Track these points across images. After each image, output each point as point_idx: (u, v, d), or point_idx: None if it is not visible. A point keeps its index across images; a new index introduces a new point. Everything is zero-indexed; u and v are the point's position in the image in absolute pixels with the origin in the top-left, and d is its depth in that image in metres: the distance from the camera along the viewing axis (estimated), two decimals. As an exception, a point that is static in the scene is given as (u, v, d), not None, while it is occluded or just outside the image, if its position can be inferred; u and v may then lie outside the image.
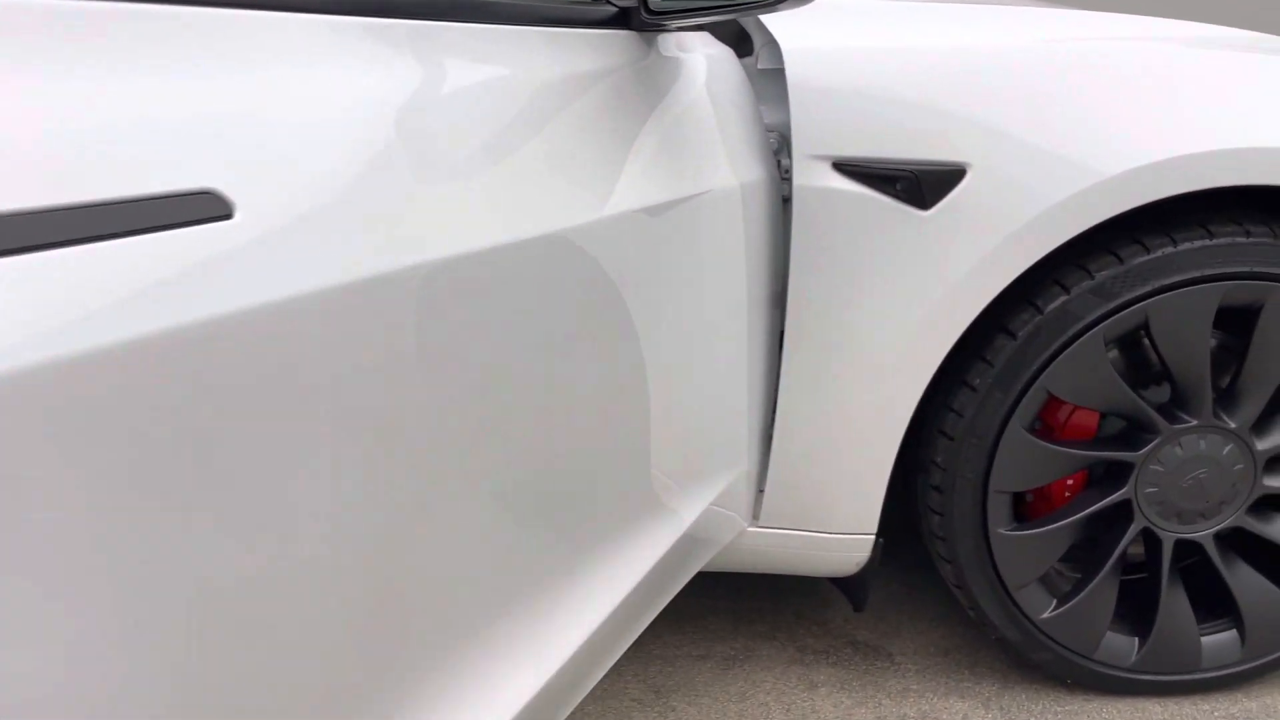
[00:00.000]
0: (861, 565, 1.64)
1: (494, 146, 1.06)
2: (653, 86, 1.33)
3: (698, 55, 1.44)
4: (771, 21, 1.51)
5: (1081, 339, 1.47)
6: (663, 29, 1.33)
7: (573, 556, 1.23)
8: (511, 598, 1.12)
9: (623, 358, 1.25)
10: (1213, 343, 1.56)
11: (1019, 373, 1.49)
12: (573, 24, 1.24)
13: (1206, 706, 1.66)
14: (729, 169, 1.41)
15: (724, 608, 1.94)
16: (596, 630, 1.25)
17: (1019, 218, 1.41)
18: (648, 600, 1.42)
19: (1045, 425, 1.64)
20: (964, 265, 1.43)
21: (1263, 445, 1.55)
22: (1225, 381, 1.56)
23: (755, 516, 1.61)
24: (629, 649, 1.79)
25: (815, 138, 1.42)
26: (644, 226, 1.27)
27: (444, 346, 0.94)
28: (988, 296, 1.44)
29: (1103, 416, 1.62)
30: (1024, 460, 1.54)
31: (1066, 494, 1.64)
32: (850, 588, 1.71)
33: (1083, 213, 1.40)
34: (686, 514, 1.46)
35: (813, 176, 1.42)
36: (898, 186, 1.42)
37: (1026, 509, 1.70)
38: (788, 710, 1.67)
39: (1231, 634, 1.65)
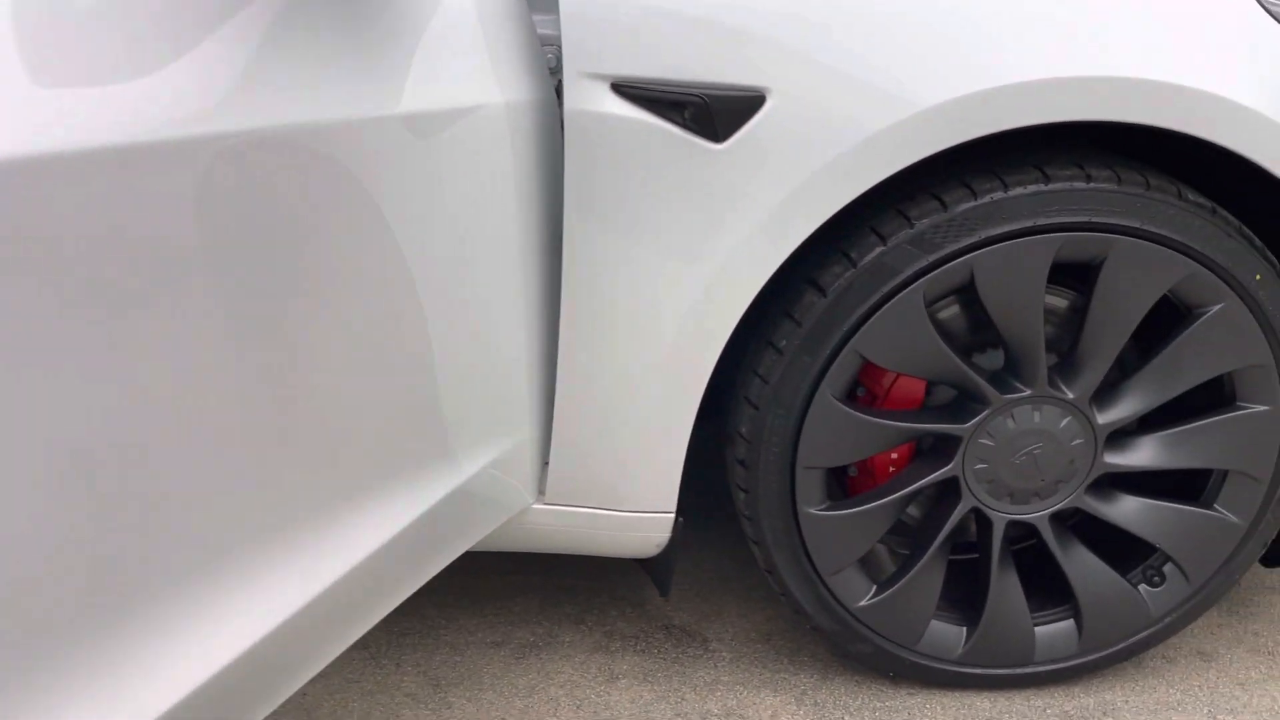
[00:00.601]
0: (663, 547, 1.45)
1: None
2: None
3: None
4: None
5: (898, 296, 1.28)
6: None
7: (296, 506, 1.07)
8: (218, 548, 0.98)
9: (353, 287, 1.08)
10: (1063, 303, 1.40)
11: (829, 334, 1.30)
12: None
13: (1039, 702, 1.51)
14: (494, 85, 1.20)
15: (536, 586, 1.75)
16: (322, 594, 1.08)
17: (826, 153, 1.20)
18: (402, 568, 1.23)
19: (869, 393, 1.46)
20: (763, 208, 1.22)
21: (1104, 418, 1.38)
22: (1067, 348, 1.39)
23: (541, 491, 1.42)
24: (413, 637, 1.60)
25: (590, 52, 1.20)
26: (381, 138, 1.07)
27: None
28: (791, 244, 1.24)
29: (931, 384, 1.44)
30: (835, 432, 1.35)
31: (892, 470, 1.46)
32: (654, 571, 1.52)
33: (900, 149, 1.20)
34: (451, 477, 1.27)
35: (587, 99, 1.21)
36: (686, 114, 1.20)
37: (850, 485, 1.52)
38: (579, 706, 1.49)
39: (1069, 624, 1.50)
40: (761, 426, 1.35)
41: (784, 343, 1.32)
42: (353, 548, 1.15)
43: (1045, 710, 1.50)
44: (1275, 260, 1.31)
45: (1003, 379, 1.37)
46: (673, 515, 1.41)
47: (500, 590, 1.74)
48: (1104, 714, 1.49)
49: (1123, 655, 1.51)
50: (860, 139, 1.20)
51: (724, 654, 1.60)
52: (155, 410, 0.88)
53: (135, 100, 0.85)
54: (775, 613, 1.70)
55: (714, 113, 1.20)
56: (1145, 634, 1.50)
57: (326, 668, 1.55)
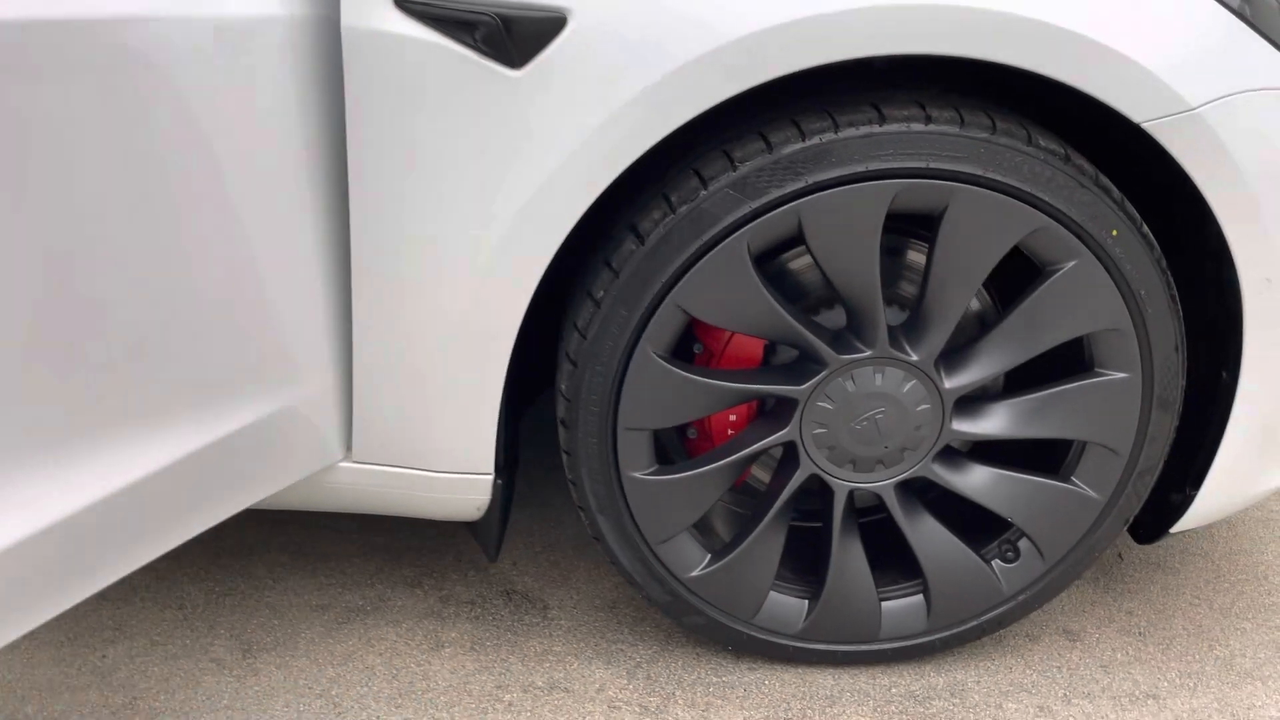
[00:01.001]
0: (484, 510, 1.35)
1: None
2: None
3: None
4: None
5: (719, 246, 1.17)
6: None
7: (67, 420, 1.04)
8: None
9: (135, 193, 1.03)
10: (920, 257, 1.30)
11: (646, 285, 1.19)
12: None
13: (885, 681, 1.43)
14: None
15: (377, 547, 1.66)
16: (86, 510, 1.04)
17: (635, 83, 1.09)
18: (179, 501, 1.15)
19: (707, 350, 1.35)
20: (567, 143, 1.11)
21: (951, 383, 1.28)
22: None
23: (349, 449, 1.31)
24: (234, 597, 1.51)
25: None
26: (136, 43, 0.99)
27: None
28: (599, 185, 1.13)
29: (772, 343, 1.34)
30: (658, 391, 1.25)
31: (730, 433, 1.36)
32: (480, 535, 1.42)
33: (716, 80, 1.09)
34: (235, 416, 1.17)
35: (367, 15, 1.08)
36: (478, 35, 1.08)
37: (690, 448, 1.42)
38: (395, 676, 1.40)
39: (917, 600, 1.41)
40: (580, 384, 1.25)
41: (601, 294, 1.21)
42: (121, 471, 1.09)
43: (890, 689, 1.41)
44: (1136, 215, 1.20)
45: (844, 339, 1.26)
46: (490, 477, 1.31)
47: (338, 551, 1.64)
48: (952, 694, 1.41)
49: (974, 633, 1.43)
50: (670, 69, 1.08)
51: (562, 622, 1.51)
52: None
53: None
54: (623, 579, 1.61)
55: (511, 34, 1.08)
56: (998, 611, 1.41)
57: (133, 627, 1.46)
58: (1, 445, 0.99)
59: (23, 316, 0.99)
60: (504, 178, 1.12)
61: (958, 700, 1.40)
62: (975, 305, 1.38)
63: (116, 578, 1.13)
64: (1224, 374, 1.29)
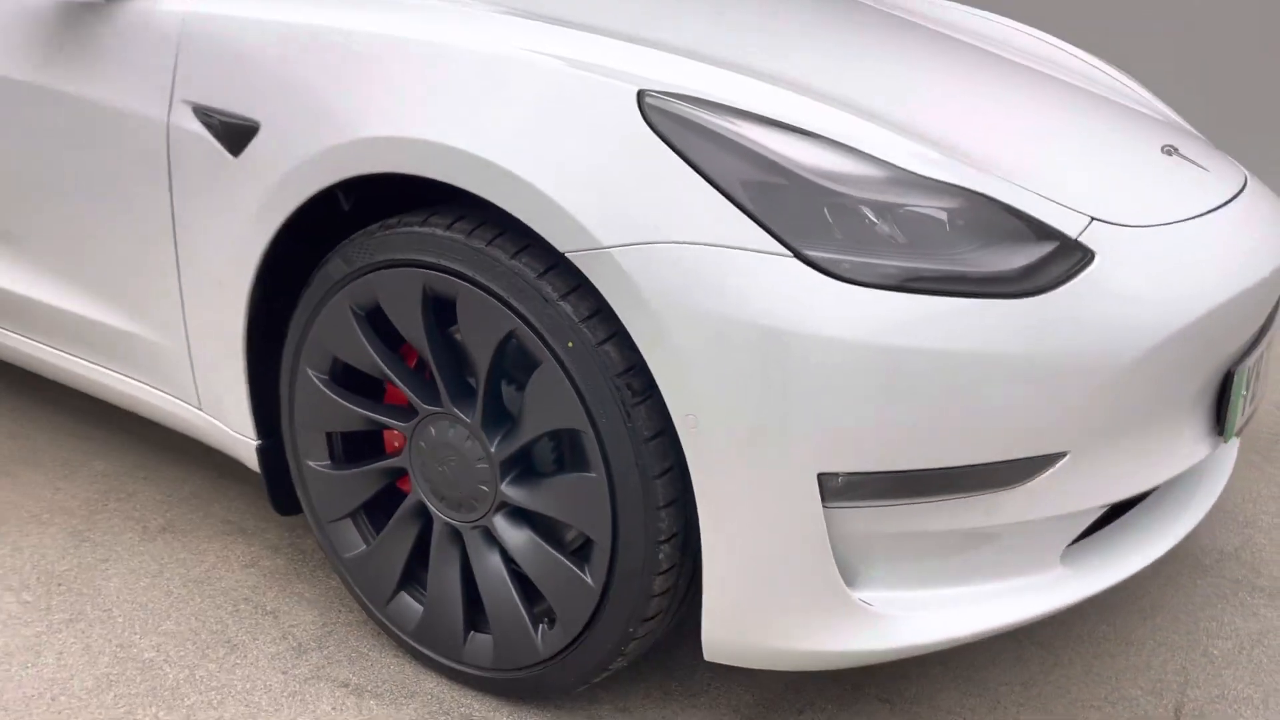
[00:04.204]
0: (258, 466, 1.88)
1: None
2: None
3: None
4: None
5: (333, 299, 1.61)
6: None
7: None
8: None
9: None
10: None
11: (302, 318, 1.67)
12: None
13: (475, 704, 1.67)
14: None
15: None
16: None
17: (279, 171, 1.59)
18: None
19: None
20: (252, 204, 1.65)
21: (496, 449, 1.54)
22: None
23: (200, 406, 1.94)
24: None
25: (189, 82, 1.72)
26: None
27: None
28: (264, 239, 1.64)
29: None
30: (310, 403, 1.70)
31: (398, 445, 1.73)
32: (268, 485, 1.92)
33: (314, 175, 1.56)
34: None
35: (182, 116, 1.73)
36: (222, 134, 1.67)
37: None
38: (200, 569, 1.98)
39: (489, 638, 1.64)
40: (278, 386, 1.75)
41: (289, 324, 1.70)
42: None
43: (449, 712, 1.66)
44: (587, 333, 1.39)
45: (431, 393, 1.60)
46: (253, 441, 1.85)
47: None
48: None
49: (528, 686, 1.62)
50: (296, 164, 1.57)
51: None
52: None
53: None
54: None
55: (231, 134, 1.66)
56: (538, 670, 1.59)
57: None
58: None
59: None
60: (229, 226, 1.69)
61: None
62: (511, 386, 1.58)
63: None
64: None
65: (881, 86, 1.75)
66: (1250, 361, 1.70)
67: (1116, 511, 1.69)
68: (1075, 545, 1.60)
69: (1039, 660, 1.81)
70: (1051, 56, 2.39)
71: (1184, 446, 1.62)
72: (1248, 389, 1.72)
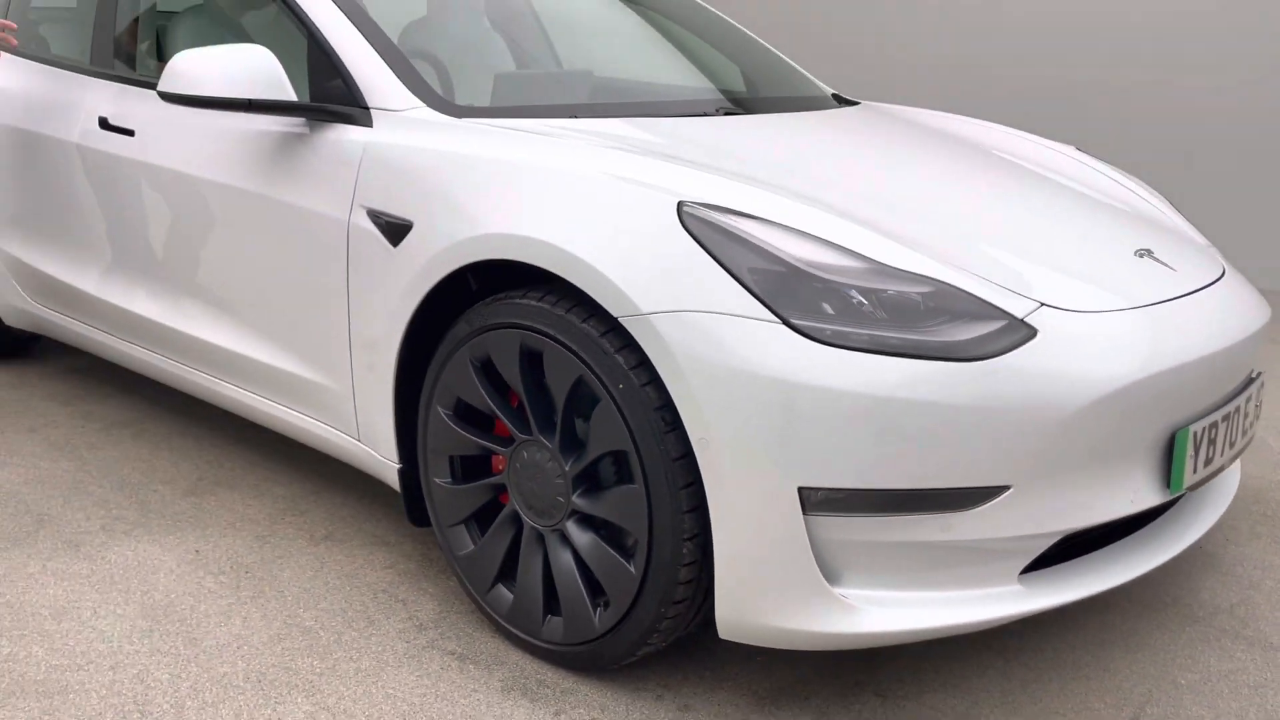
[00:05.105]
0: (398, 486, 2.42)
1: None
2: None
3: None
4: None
5: (457, 353, 2.15)
6: None
7: None
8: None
9: None
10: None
11: (436, 367, 2.21)
12: None
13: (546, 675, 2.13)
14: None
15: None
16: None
17: (425, 257, 2.16)
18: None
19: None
20: (405, 282, 2.22)
21: (569, 466, 2.03)
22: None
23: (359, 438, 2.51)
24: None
25: (365, 191, 2.32)
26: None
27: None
28: (411, 307, 2.20)
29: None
30: (437, 432, 2.23)
31: (500, 467, 2.24)
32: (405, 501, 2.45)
33: (449, 260, 2.11)
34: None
35: (359, 217, 2.33)
36: (386, 230, 2.26)
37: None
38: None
39: (561, 620, 2.10)
40: (416, 418, 2.30)
41: (426, 372, 2.25)
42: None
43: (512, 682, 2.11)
44: (634, 377, 1.87)
45: (525, 423, 2.10)
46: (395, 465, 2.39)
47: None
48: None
49: (588, 657, 2.06)
50: (432, 255, 2.13)
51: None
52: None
53: None
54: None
55: (392, 230, 2.24)
56: (596, 644, 2.03)
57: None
58: None
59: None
60: (390, 297, 2.26)
61: (563, 695, 2.05)
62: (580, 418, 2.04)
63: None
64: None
65: (888, 200, 2.22)
66: (1200, 426, 2.04)
67: (1085, 548, 2.04)
68: (1037, 571, 1.96)
69: (1020, 676, 2.15)
70: (1057, 164, 2.82)
71: (1128, 493, 1.97)
72: (1197, 451, 2.05)
